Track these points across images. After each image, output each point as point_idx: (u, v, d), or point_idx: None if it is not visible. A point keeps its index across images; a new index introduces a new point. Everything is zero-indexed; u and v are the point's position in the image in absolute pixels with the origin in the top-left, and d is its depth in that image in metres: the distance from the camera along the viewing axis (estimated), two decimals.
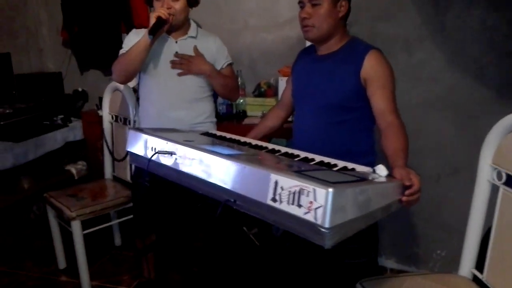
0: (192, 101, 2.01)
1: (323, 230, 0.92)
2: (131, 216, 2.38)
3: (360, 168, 1.28)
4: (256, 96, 2.85)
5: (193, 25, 2.02)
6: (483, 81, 2.14)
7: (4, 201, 2.75)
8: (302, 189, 0.94)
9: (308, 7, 1.58)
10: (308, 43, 1.86)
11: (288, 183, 0.97)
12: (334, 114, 1.63)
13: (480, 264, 1.46)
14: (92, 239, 2.34)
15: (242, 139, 1.69)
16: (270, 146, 1.56)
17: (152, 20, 1.79)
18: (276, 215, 1.02)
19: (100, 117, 2.77)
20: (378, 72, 1.55)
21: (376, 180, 1.17)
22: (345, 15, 1.63)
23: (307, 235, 0.98)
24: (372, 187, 1.10)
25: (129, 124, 2.47)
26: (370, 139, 1.69)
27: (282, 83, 2.59)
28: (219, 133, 1.83)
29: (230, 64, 2.10)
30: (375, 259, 1.77)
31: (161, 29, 1.83)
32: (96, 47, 3.30)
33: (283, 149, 1.50)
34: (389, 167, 1.29)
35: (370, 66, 1.55)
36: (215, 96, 2.22)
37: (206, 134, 1.80)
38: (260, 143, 1.63)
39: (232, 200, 1.14)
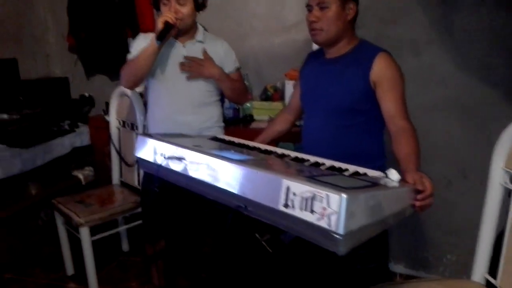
0: (200, 106, 2.00)
1: (337, 236, 0.90)
2: (139, 221, 2.37)
3: (372, 172, 1.27)
4: (262, 100, 2.85)
5: (200, 29, 2.01)
6: (492, 83, 2.12)
7: (12, 207, 2.74)
8: (315, 194, 0.93)
9: (316, 10, 1.57)
10: (315, 47, 1.85)
11: (301, 188, 0.96)
12: (343, 117, 1.62)
13: (492, 269, 1.44)
14: (100, 245, 2.34)
15: (251, 143, 1.68)
16: (280, 150, 1.55)
17: (160, 25, 1.78)
18: (288, 221, 1.01)
19: (107, 123, 2.77)
20: (387, 75, 1.54)
21: (388, 185, 1.16)
22: (353, 18, 1.62)
23: (320, 242, 0.97)
24: (385, 192, 1.09)
25: (137, 129, 2.46)
26: (379, 143, 1.67)
27: (289, 87, 2.59)
28: (227, 137, 1.82)
29: (238, 68, 2.09)
30: (385, 265, 1.76)
31: (169, 34, 1.83)
32: (102, 52, 3.31)
33: (293, 154, 1.49)
34: (400, 170, 1.27)
35: (380, 69, 1.54)
36: (222, 100, 2.21)
37: (215, 139, 1.79)
38: (269, 147, 1.62)
39: (243, 206, 1.13)
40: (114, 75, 3.38)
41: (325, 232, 0.92)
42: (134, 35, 3.08)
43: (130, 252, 2.87)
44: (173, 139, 1.50)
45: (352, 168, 1.31)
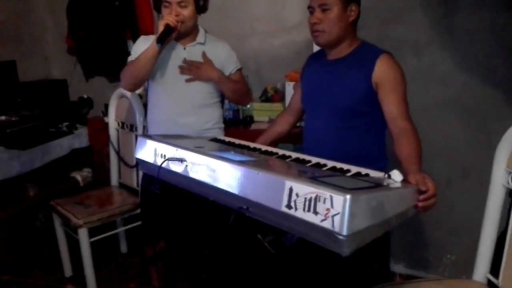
0: (200, 107, 2.00)
1: (340, 237, 0.90)
2: (138, 223, 2.37)
3: (374, 173, 1.26)
4: (263, 101, 2.84)
5: (201, 31, 2.01)
6: (492, 83, 2.12)
7: (10, 209, 2.73)
8: (318, 195, 0.93)
9: (318, 12, 1.57)
10: (316, 48, 1.84)
11: (304, 189, 0.96)
12: (344, 118, 1.62)
13: (494, 268, 1.44)
14: (98, 246, 2.33)
15: (252, 145, 1.67)
16: (281, 151, 1.54)
17: (160, 28, 1.78)
18: (290, 222, 1.00)
19: (106, 124, 2.76)
20: (389, 76, 1.53)
21: (391, 185, 1.16)
22: (355, 20, 1.61)
23: (323, 243, 0.96)
24: (388, 193, 1.08)
25: (136, 130, 2.46)
26: (381, 144, 1.67)
27: (289, 88, 2.58)
28: (227, 139, 1.81)
29: (239, 69, 2.09)
30: (387, 265, 1.75)
31: (170, 37, 1.82)
32: (101, 54, 3.30)
33: (294, 155, 1.48)
34: (402, 171, 1.27)
35: (382, 70, 1.53)
36: (222, 101, 2.21)
37: (215, 140, 1.79)
38: (270, 148, 1.61)
39: (245, 207, 1.12)
40: (113, 77, 3.36)
41: (328, 233, 0.91)
42: (133, 37, 3.08)
43: (128, 254, 2.85)
44: (174, 140, 1.49)
45: (354, 169, 1.31)
